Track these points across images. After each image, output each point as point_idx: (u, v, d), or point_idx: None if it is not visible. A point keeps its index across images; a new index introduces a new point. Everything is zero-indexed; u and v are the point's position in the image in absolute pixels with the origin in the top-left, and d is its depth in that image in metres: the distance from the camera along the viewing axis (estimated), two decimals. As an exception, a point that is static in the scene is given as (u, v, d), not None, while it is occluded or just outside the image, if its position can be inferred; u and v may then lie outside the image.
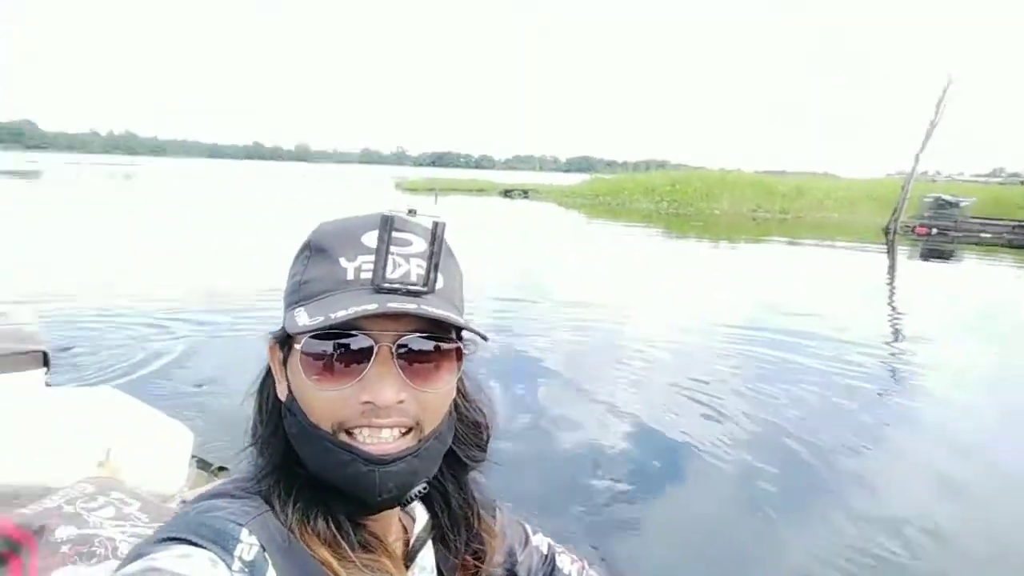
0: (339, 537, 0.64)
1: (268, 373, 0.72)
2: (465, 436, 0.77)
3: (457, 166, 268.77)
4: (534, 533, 0.98)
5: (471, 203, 32.70)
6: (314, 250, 0.66)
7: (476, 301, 7.47)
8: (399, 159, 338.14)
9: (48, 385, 2.50)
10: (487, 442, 0.80)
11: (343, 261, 0.64)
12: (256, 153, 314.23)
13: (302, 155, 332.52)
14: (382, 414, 0.62)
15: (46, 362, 2.47)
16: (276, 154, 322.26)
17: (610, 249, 16.29)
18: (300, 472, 0.66)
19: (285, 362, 0.67)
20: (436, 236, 0.63)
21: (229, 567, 0.55)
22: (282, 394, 0.68)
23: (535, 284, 10.02)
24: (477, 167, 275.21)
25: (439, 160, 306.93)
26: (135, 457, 1.92)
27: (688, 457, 4.12)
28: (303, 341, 0.62)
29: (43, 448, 1.81)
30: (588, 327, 7.28)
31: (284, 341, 0.66)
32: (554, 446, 4.21)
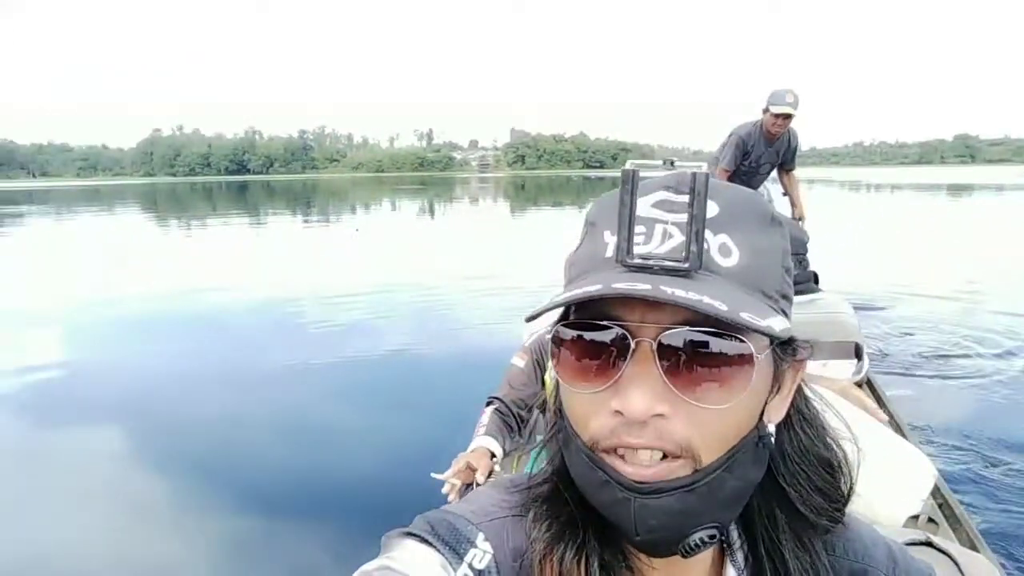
0: None
1: None
2: (806, 477, 0.57)
3: None
4: None
5: None
6: (587, 224, 0.56)
7: None
8: None
9: (857, 376, 2.43)
10: (845, 496, 0.59)
11: (607, 235, 0.53)
12: None
13: None
14: (634, 430, 0.48)
15: (858, 354, 2.42)
16: None
17: None
18: (572, 484, 0.56)
19: None
20: (696, 192, 0.48)
21: (455, 572, 0.52)
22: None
23: None
24: None
25: None
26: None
27: None
28: (553, 330, 0.52)
29: None
30: None
31: None
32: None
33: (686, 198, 0.49)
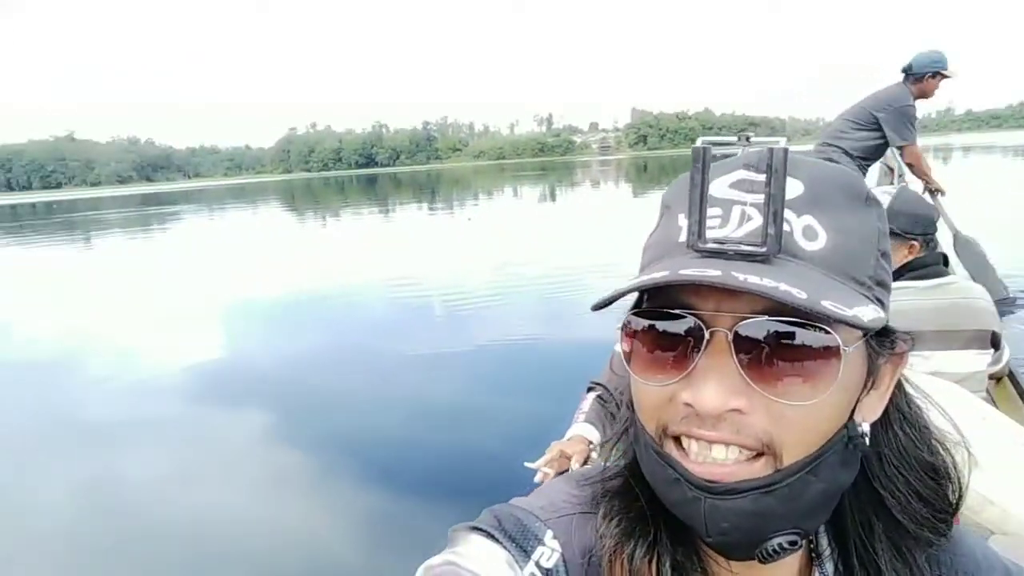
0: None
1: None
2: (906, 483, 0.52)
3: None
4: None
5: None
6: (663, 207, 0.54)
7: None
8: None
9: (995, 367, 2.26)
10: (953, 506, 0.53)
11: (681, 218, 0.50)
12: None
13: None
14: (707, 424, 0.45)
15: (995, 344, 2.22)
16: None
17: None
18: (644, 480, 0.53)
19: None
20: (773, 169, 0.44)
21: (522, 570, 0.50)
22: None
23: None
24: None
25: None
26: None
27: None
28: (624, 319, 0.50)
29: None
30: None
31: None
32: None
33: (754, 176, 0.47)
